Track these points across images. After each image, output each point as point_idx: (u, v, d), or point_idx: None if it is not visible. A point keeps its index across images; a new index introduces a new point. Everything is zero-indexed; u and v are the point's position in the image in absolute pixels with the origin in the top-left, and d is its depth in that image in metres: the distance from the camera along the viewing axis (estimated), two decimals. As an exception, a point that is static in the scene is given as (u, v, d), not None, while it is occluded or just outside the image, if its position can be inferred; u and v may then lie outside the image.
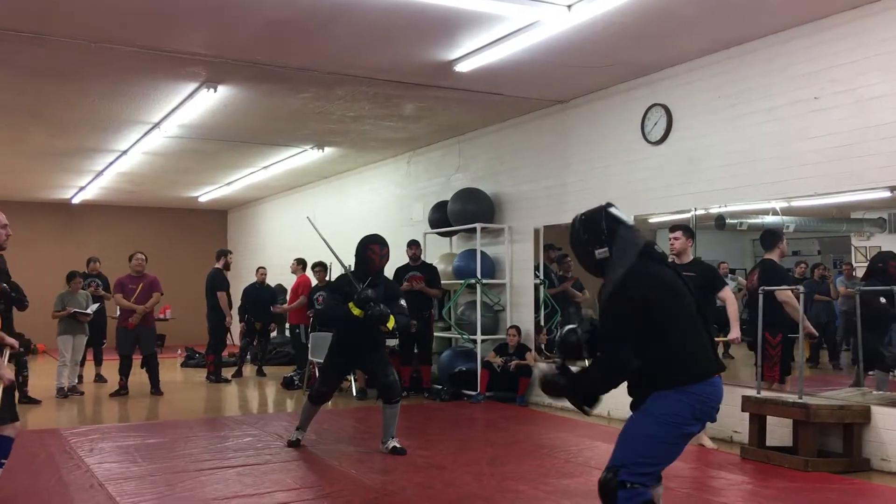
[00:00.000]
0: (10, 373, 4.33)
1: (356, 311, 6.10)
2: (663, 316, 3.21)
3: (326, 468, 5.96)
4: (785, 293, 6.60)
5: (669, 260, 6.52)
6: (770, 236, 6.96)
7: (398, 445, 6.41)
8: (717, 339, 6.01)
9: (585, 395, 3.43)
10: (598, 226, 3.42)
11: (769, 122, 6.84)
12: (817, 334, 7.37)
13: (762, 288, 6.54)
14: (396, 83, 8.34)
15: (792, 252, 8.69)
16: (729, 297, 6.41)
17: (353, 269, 6.48)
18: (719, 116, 7.31)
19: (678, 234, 6.60)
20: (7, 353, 4.42)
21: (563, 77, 8.15)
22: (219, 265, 11.73)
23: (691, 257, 6.62)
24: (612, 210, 3.47)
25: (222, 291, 11.54)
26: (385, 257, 6.53)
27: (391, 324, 6.16)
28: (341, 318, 6.32)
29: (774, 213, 7.48)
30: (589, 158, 8.82)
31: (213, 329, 11.60)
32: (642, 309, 3.19)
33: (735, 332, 6.37)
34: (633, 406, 3.36)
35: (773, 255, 6.87)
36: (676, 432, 3.19)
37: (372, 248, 6.48)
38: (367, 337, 6.36)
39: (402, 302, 6.55)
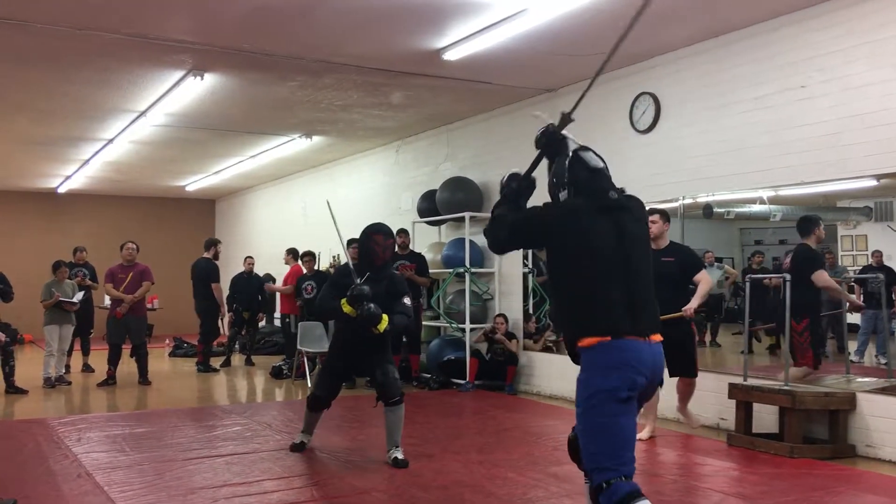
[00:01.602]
0: None
1: (347, 309, 5.58)
2: (566, 267, 3.25)
3: (315, 457, 5.97)
4: (822, 276, 6.54)
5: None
6: (806, 222, 6.81)
7: (400, 457, 5.66)
8: (674, 314, 6.01)
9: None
10: (562, 169, 3.45)
11: (756, 111, 6.86)
12: (864, 305, 7.39)
13: (785, 275, 6.59)
14: (384, 71, 8.31)
15: (779, 241, 8.75)
16: (704, 277, 6.34)
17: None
18: (707, 105, 7.32)
19: (655, 217, 6.49)
20: None
21: (551, 66, 8.14)
22: (208, 255, 11.69)
23: (668, 242, 6.55)
24: (582, 153, 3.45)
25: (217, 283, 11.51)
26: (389, 248, 5.93)
27: (383, 325, 5.61)
28: (331, 314, 5.89)
29: (762, 201, 7.52)
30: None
31: (206, 319, 11.55)
32: (550, 232, 3.32)
33: (693, 304, 6.16)
34: (571, 356, 3.34)
35: (810, 241, 6.74)
36: (610, 407, 3.05)
37: (375, 239, 5.86)
38: (368, 335, 5.72)
39: (407, 301, 5.89)
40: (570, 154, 3.46)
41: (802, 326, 6.59)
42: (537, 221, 3.41)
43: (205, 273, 11.53)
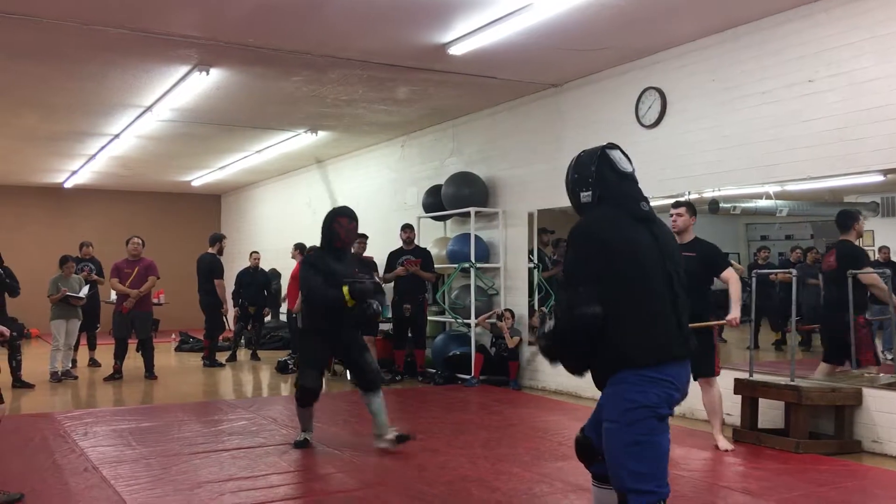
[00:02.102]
0: None
1: (348, 298, 5.62)
2: (614, 281, 2.89)
3: (321, 452, 5.98)
4: (871, 276, 6.46)
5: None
6: (846, 217, 6.70)
7: (401, 433, 5.91)
8: (715, 322, 5.96)
9: (564, 353, 3.06)
10: (587, 168, 3.13)
11: (763, 106, 6.83)
12: None
13: (836, 271, 6.50)
14: (390, 66, 8.30)
15: (785, 236, 8.73)
16: (732, 277, 6.02)
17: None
18: (713, 100, 7.30)
19: (681, 210, 6.20)
20: None
21: (557, 60, 8.12)
22: (213, 250, 11.70)
23: (693, 236, 6.23)
24: (611, 152, 3.15)
25: (220, 280, 11.52)
26: (352, 233, 6.02)
27: (349, 303, 5.66)
28: (333, 302, 5.76)
29: (768, 197, 7.50)
30: (583, 142, 8.69)
31: (211, 314, 11.57)
32: (603, 256, 2.91)
33: (734, 313, 5.93)
34: (596, 382, 3.07)
35: (850, 236, 6.65)
36: (652, 423, 2.87)
37: (340, 221, 5.91)
38: (345, 319, 5.84)
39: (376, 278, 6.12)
40: (598, 151, 3.16)
41: (862, 323, 6.50)
42: (598, 247, 2.95)
43: (209, 269, 11.54)
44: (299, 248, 12.01)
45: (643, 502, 2.82)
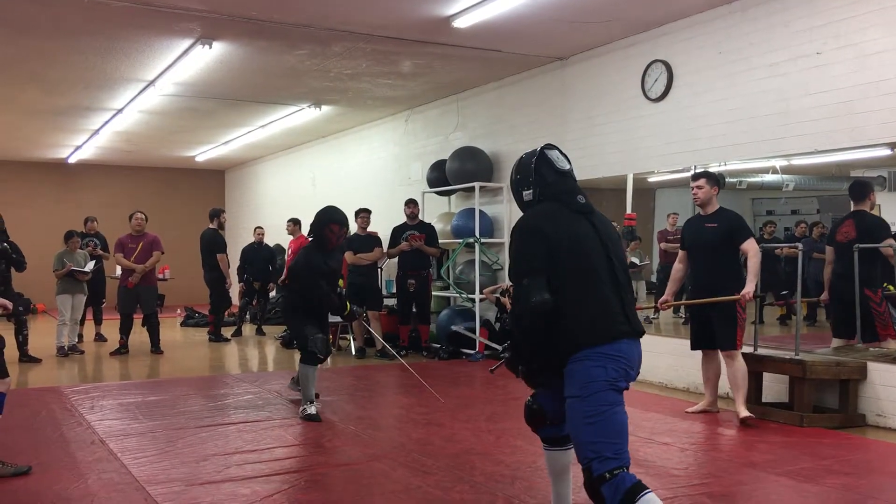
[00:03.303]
0: None
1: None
2: (558, 271, 3.08)
3: (326, 425, 6.01)
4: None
5: (696, 213, 6.27)
6: (861, 187, 6.62)
7: (312, 412, 6.13)
8: (726, 297, 5.88)
9: (522, 349, 3.28)
10: (528, 168, 3.35)
11: (770, 79, 6.77)
12: None
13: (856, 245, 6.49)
14: (394, 39, 8.23)
15: (791, 211, 8.69)
16: (752, 248, 5.87)
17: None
18: (720, 72, 7.23)
19: (701, 181, 6.08)
20: None
21: (563, 33, 8.05)
22: (213, 225, 11.68)
23: (716, 207, 6.11)
24: (549, 152, 3.36)
25: (223, 254, 11.52)
26: (343, 236, 6.44)
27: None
28: (334, 309, 6.53)
29: (774, 171, 7.46)
30: (588, 116, 8.75)
31: (215, 289, 11.59)
32: (545, 248, 3.09)
33: (748, 288, 5.81)
34: (553, 368, 3.18)
35: (865, 207, 6.60)
36: (610, 395, 3.02)
37: (331, 228, 6.25)
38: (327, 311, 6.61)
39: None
40: (537, 152, 3.37)
41: (879, 297, 6.43)
42: (538, 241, 3.13)
43: (210, 244, 11.51)
44: (295, 221, 12.03)
45: (604, 468, 2.96)
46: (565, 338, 3.09)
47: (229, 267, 11.73)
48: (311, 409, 6.17)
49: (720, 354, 6.19)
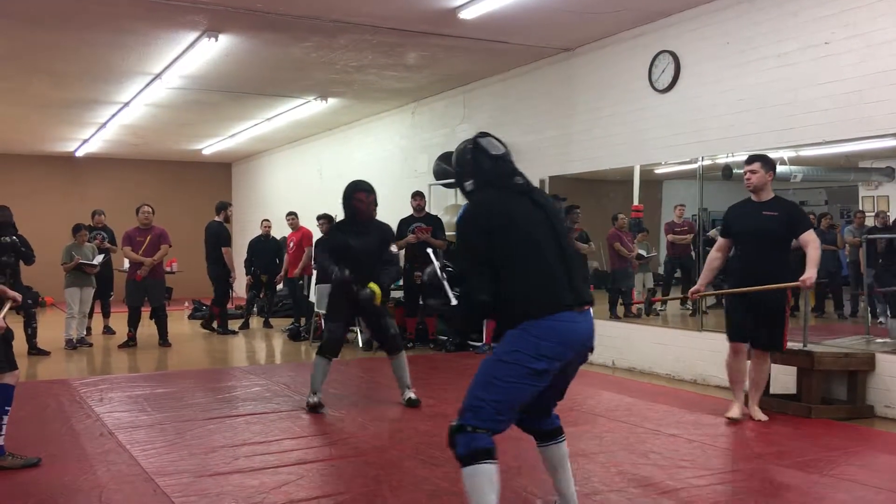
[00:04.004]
0: (3, 324, 4.36)
1: (378, 293, 6.01)
2: (503, 250, 3.16)
3: (334, 417, 6.02)
4: None
5: (745, 198, 5.81)
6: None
7: (412, 396, 6.32)
8: (788, 284, 5.52)
9: (458, 326, 3.48)
10: (465, 159, 3.43)
11: (779, 69, 6.73)
12: None
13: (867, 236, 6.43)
14: (400, 31, 8.22)
15: (799, 202, 8.65)
16: (812, 240, 5.52)
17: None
18: (728, 63, 7.20)
19: (754, 165, 5.65)
20: (8, 305, 4.42)
21: (569, 24, 8.02)
22: (219, 218, 11.67)
23: (772, 194, 5.71)
24: (481, 140, 3.43)
25: (228, 248, 11.51)
26: (373, 204, 6.24)
27: (379, 298, 6.02)
28: (337, 282, 6.14)
29: (782, 162, 7.41)
30: (595, 107, 8.73)
31: (216, 282, 11.58)
32: (487, 239, 3.16)
33: (809, 273, 5.41)
34: (496, 336, 3.29)
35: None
36: (519, 371, 3.07)
37: (357, 197, 6.16)
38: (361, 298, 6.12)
39: (393, 248, 6.37)
40: (472, 142, 3.43)
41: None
42: (478, 233, 3.21)
43: (215, 237, 11.49)
44: (294, 215, 12.04)
45: (472, 422, 3.06)
46: (511, 310, 3.17)
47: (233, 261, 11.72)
48: (311, 399, 6.19)
49: (753, 352, 5.84)
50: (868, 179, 7.42)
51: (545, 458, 3.58)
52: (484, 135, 3.48)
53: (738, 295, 5.77)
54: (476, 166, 3.39)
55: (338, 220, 6.97)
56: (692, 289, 6.11)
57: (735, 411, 5.77)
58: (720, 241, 5.97)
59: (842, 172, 7.84)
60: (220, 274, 11.50)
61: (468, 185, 3.42)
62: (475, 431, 3.06)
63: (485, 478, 3.04)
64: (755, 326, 5.74)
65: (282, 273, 12.07)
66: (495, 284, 3.16)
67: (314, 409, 6.15)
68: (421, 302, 9.97)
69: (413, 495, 4.10)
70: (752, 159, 5.75)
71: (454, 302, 3.31)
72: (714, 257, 5.95)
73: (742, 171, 5.79)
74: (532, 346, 3.08)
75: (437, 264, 3.39)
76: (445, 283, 3.31)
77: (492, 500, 3.05)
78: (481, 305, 3.20)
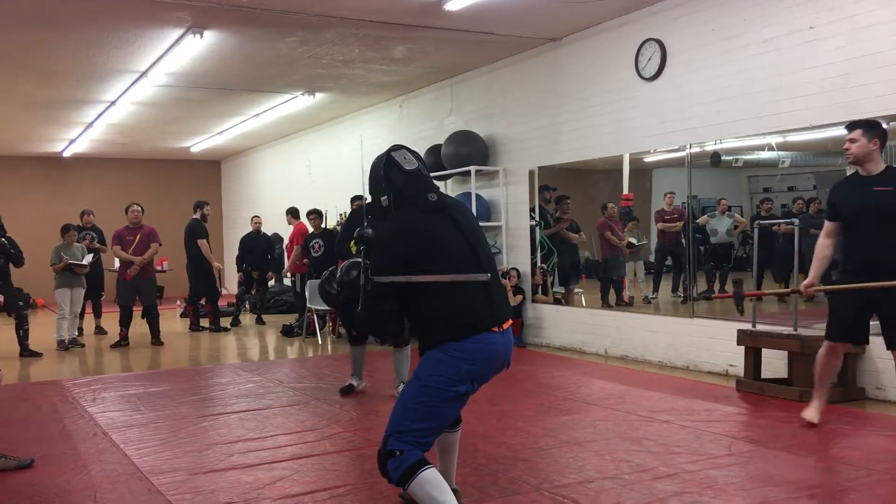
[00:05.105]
0: None
1: (353, 250, 5.92)
2: (425, 270, 3.16)
3: (328, 412, 6.03)
4: None
5: (851, 174, 5.08)
6: None
7: (346, 385, 6.68)
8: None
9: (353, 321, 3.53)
10: (378, 174, 3.42)
11: (764, 54, 6.75)
12: None
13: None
14: (386, 24, 8.19)
15: (788, 188, 8.68)
16: None
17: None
18: (714, 50, 7.21)
19: (855, 133, 4.82)
20: None
21: (555, 13, 8.01)
22: (196, 216, 11.62)
23: (882, 166, 4.88)
24: (394, 154, 3.42)
25: (203, 239, 11.42)
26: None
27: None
28: (345, 256, 6.12)
29: (770, 148, 7.44)
30: (582, 97, 8.73)
31: (200, 278, 11.50)
32: (403, 266, 3.18)
33: None
34: (420, 352, 3.33)
35: None
36: (442, 395, 3.15)
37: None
38: None
39: None
40: (385, 157, 3.43)
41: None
42: (398, 260, 3.21)
43: (191, 232, 11.42)
44: (292, 212, 12.10)
45: (397, 446, 3.12)
46: (432, 330, 3.22)
47: (211, 252, 11.63)
48: (348, 382, 6.72)
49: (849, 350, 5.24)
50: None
51: (443, 442, 3.67)
52: (397, 148, 3.48)
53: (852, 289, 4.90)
54: (388, 182, 3.37)
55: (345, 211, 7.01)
56: (804, 283, 5.11)
57: (814, 413, 5.15)
58: (828, 225, 5.08)
59: (830, 157, 7.85)
60: (202, 269, 11.37)
61: (384, 200, 3.40)
62: (402, 453, 3.12)
63: (429, 485, 3.10)
64: (884, 326, 4.93)
65: (286, 270, 12.10)
66: (401, 311, 3.27)
67: (345, 391, 6.64)
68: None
69: (408, 487, 4.11)
70: (852, 126, 4.91)
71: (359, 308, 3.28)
72: (824, 245, 5.06)
73: (847, 138, 4.94)
74: (454, 370, 3.14)
75: (363, 263, 3.29)
76: (363, 288, 3.25)
77: (448, 496, 3.10)
78: (381, 313, 3.25)
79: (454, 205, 3.47)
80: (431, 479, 3.10)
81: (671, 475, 4.22)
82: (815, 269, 5.07)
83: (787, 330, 6.26)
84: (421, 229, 3.26)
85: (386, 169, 3.40)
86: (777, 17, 6.63)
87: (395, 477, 3.12)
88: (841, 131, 6.49)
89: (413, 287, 3.17)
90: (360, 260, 3.31)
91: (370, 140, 13.26)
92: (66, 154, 17.60)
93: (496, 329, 3.23)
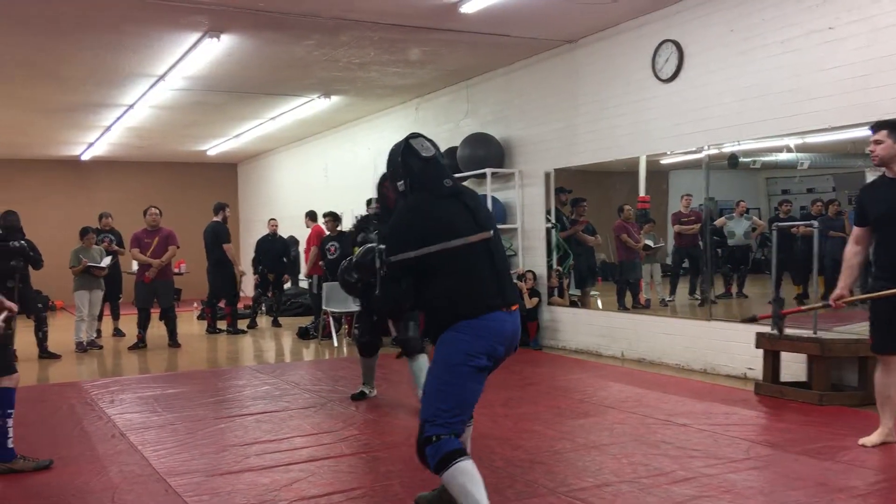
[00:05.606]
0: (1, 325, 4.38)
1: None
2: (436, 255, 3.29)
3: (344, 414, 6.03)
4: None
5: (878, 176, 4.91)
6: None
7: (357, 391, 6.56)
8: None
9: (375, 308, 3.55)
10: (396, 161, 3.56)
11: (783, 55, 6.70)
12: None
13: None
14: (401, 27, 8.20)
15: (806, 189, 8.61)
16: None
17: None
18: (732, 51, 7.16)
19: (881, 135, 4.64)
20: (4, 314, 4.41)
21: (571, 15, 7.99)
22: (218, 218, 11.68)
23: None
24: (413, 142, 3.56)
25: (229, 244, 11.51)
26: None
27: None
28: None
29: (788, 150, 7.38)
30: (599, 99, 8.70)
31: (223, 281, 11.56)
32: (416, 245, 3.30)
33: None
34: (429, 334, 3.46)
35: None
36: (463, 370, 3.25)
37: (385, 185, 6.18)
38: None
39: None
40: (403, 144, 3.56)
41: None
42: (413, 239, 3.34)
43: (214, 235, 11.49)
44: (310, 215, 12.08)
45: (434, 432, 3.22)
46: (442, 312, 3.34)
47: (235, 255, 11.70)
48: (360, 389, 6.60)
49: None
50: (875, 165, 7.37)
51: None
52: (415, 136, 3.61)
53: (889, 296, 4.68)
54: (406, 168, 3.51)
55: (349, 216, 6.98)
56: (834, 294, 4.93)
57: (876, 436, 4.79)
58: (856, 231, 4.88)
59: (849, 158, 7.79)
60: (225, 273, 11.46)
61: (400, 185, 3.54)
62: (440, 439, 3.21)
63: (465, 475, 3.17)
64: None
65: (305, 272, 12.15)
66: (415, 291, 3.37)
67: (356, 397, 6.53)
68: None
69: (424, 492, 4.10)
70: (877, 126, 4.72)
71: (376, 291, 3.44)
72: (853, 252, 4.85)
73: (871, 139, 4.75)
74: (469, 346, 3.26)
75: (377, 248, 3.46)
76: (379, 271, 3.41)
77: (479, 490, 3.16)
78: (399, 310, 3.45)
79: (467, 192, 3.61)
80: (467, 470, 3.18)
81: (689, 479, 4.19)
82: (844, 279, 4.88)
83: (806, 333, 6.20)
84: (434, 211, 3.40)
85: (404, 155, 3.53)
86: (796, 18, 6.58)
87: (433, 463, 3.21)
88: (861, 132, 6.46)
89: (426, 267, 3.30)
90: (375, 245, 3.43)
91: (386, 142, 13.24)
92: (85, 157, 17.75)
93: (505, 310, 3.35)
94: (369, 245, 3.55)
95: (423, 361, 6.18)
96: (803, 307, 6.25)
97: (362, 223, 6.67)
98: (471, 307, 3.28)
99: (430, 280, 3.33)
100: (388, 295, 3.43)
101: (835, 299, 4.90)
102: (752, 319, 6.31)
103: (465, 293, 3.30)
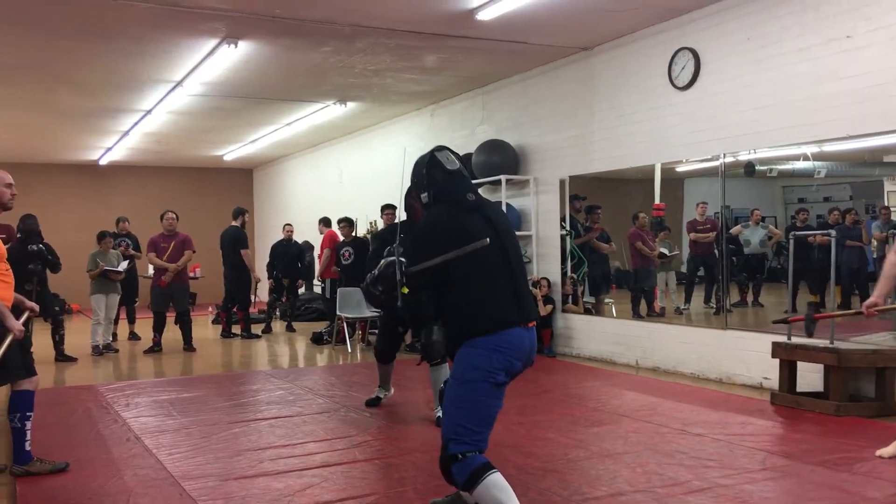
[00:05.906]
0: (22, 328, 4.42)
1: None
2: (456, 267, 3.29)
3: (358, 420, 6.04)
4: None
5: None
6: None
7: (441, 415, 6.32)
8: None
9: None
10: (420, 172, 3.60)
11: (801, 63, 6.66)
12: None
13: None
14: (417, 34, 8.23)
15: (823, 198, 8.56)
16: None
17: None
18: (749, 59, 7.13)
19: None
20: (26, 315, 4.47)
21: (588, 22, 7.99)
22: (236, 223, 11.75)
23: None
24: (438, 155, 3.59)
25: (247, 250, 11.60)
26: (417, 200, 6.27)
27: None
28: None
29: (805, 158, 7.34)
30: (614, 106, 8.69)
31: (238, 286, 11.63)
32: (439, 248, 3.32)
33: None
34: (448, 350, 3.45)
35: None
36: (483, 386, 3.25)
37: (412, 196, 6.18)
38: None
39: None
40: (428, 156, 3.59)
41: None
42: (434, 250, 3.35)
43: (233, 240, 11.56)
44: (324, 221, 12.13)
45: (458, 450, 3.22)
46: (460, 326, 3.35)
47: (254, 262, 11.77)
48: (373, 393, 6.63)
49: None
50: (893, 174, 7.32)
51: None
52: (441, 149, 3.66)
53: None
54: (430, 180, 3.55)
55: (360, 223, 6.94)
56: (867, 302, 4.85)
57: (894, 448, 4.78)
58: None
59: (866, 167, 7.74)
60: (241, 278, 11.54)
61: (424, 196, 3.59)
62: (465, 457, 3.20)
63: (496, 488, 3.16)
64: None
65: (318, 274, 12.18)
66: (437, 301, 3.39)
67: (370, 403, 6.54)
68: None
69: (437, 498, 4.09)
70: None
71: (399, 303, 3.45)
72: (893, 262, 4.78)
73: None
74: (487, 361, 3.25)
75: (398, 260, 3.46)
76: (399, 282, 3.42)
77: (513, 500, 3.16)
78: (419, 318, 3.45)
79: (490, 205, 3.62)
80: (498, 482, 3.17)
81: (705, 489, 4.17)
82: (881, 287, 4.81)
83: (823, 343, 6.15)
84: (456, 223, 3.40)
85: (429, 167, 3.56)
86: (814, 26, 6.55)
87: (461, 481, 3.21)
88: (879, 141, 6.43)
89: (445, 279, 3.32)
90: (395, 258, 3.44)
91: (401, 149, 13.31)
92: (103, 162, 17.89)
93: (523, 326, 3.35)
94: (391, 258, 3.54)
95: (444, 371, 6.08)
96: (836, 312, 6.20)
97: (385, 234, 6.66)
98: (488, 322, 3.28)
99: (448, 293, 3.35)
100: (409, 307, 3.46)
101: (868, 307, 4.84)
102: (784, 321, 6.27)
103: (483, 308, 3.30)
